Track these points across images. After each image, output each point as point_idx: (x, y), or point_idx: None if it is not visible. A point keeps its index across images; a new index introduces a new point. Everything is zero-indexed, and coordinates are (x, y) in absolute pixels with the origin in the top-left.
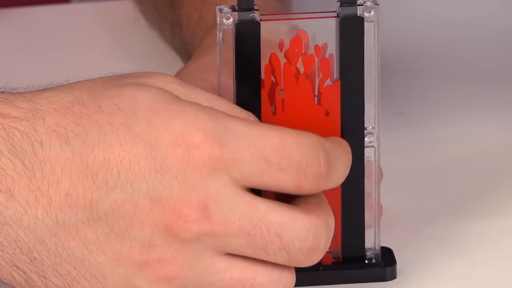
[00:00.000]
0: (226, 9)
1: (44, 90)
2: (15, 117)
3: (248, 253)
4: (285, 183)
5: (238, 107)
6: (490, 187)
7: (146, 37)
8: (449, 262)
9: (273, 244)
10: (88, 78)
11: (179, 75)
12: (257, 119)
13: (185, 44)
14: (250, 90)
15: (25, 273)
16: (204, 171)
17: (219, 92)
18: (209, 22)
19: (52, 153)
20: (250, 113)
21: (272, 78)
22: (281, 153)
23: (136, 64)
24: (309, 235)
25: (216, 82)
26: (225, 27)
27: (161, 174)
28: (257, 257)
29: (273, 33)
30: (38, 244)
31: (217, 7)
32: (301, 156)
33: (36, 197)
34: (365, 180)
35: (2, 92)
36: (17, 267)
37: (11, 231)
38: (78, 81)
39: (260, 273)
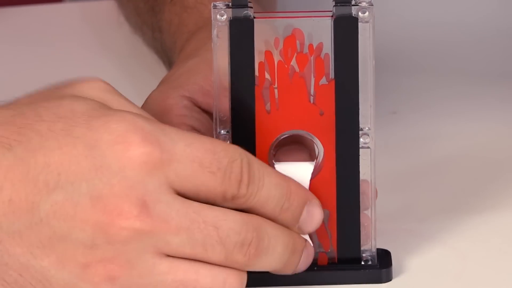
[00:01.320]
0: (220, 5)
1: None
2: None
3: (188, 251)
4: (214, 187)
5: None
6: (484, 185)
7: (137, 38)
8: (444, 261)
9: (211, 238)
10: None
11: (169, 80)
12: None
13: (165, 49)
14: (244, 87)
15: None
16: (144, 168)
17: (215, 89)
18: (190, 26)
19: None
20: None
21: (267, 76)
22: (213, 156)
23: (126, 62)
24: (243, 228)
25: (205, 86)
26: (219, 23)
27: (101, 172)
28: (196, 255)
29: (269, 31)
30: None
31: (212, 3)
32: (228, 161)
33: None
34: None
35: None
36: None
37: None
38: (17, 98)
39: (204, 276)
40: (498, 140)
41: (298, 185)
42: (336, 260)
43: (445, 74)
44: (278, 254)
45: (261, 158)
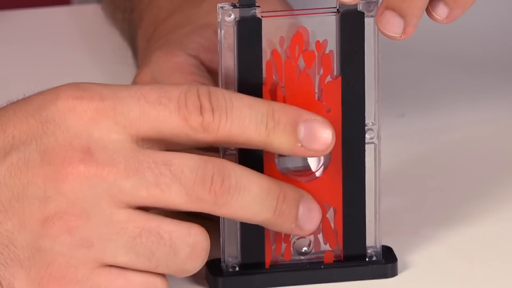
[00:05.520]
0: (227, 6)
1: None
2: None
3: (144, 194)
4: (171, 118)
5: None
6: (491, 188)
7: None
8: (450, 263)
9: (164, 176)
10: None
11: (168, 43)
12: None
13: (132, 27)
14: (252, 88)
15: None
16: (86, 117)
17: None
18: (161, 2)
19: None
20: None
21: (274, 75)
22: (159, 90)
23: (117, 67)
24: (199, 164)
25: (204, 43)
26: (227, 24)
27: (46, 126)
28: (156, 198)
29: (273, 29)
30: None
31: (218, 4)
32: (179, 92)
33: None
34: None
35: None
36: None
37: None
38: None
39: (166, 223)
40: (507, 144)
41: (283, 104)
42: (342, 258)
43: (455, 77)
44: (257, 196)
45: (269, 160)
